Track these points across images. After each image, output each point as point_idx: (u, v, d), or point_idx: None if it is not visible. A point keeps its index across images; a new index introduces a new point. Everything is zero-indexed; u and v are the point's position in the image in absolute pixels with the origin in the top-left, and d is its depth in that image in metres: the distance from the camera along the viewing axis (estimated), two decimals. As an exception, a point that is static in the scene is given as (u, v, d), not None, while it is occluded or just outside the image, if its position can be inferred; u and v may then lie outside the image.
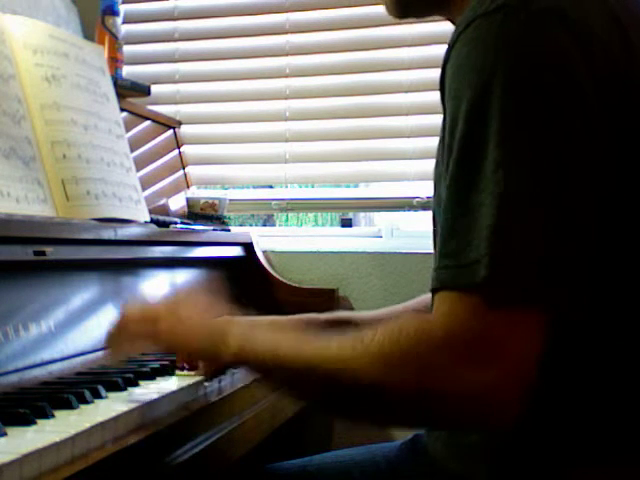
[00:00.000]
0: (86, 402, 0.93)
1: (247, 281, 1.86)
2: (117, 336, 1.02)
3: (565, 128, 0.73)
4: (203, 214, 1.83)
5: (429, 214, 2.10)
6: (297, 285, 1.90)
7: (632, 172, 0.77)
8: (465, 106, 0.75)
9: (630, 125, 0.77)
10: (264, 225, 4.09)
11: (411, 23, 1.90)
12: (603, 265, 0.77)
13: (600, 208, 0.75)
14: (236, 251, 1.85)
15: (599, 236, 0.75)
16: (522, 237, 0.71)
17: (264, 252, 1.95)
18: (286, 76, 2.07)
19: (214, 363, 1.05)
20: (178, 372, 1.12)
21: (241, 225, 2.40)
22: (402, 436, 1.12)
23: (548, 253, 0.71)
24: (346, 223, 2.67)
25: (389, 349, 0.75)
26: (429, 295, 0.80)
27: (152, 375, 1.10)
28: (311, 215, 5.57)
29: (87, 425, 0.81)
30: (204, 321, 0.98)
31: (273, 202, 2.12)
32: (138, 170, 1.59)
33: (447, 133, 0.78)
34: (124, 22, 2.02)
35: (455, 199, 0.76)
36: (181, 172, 2.06)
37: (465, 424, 0.78)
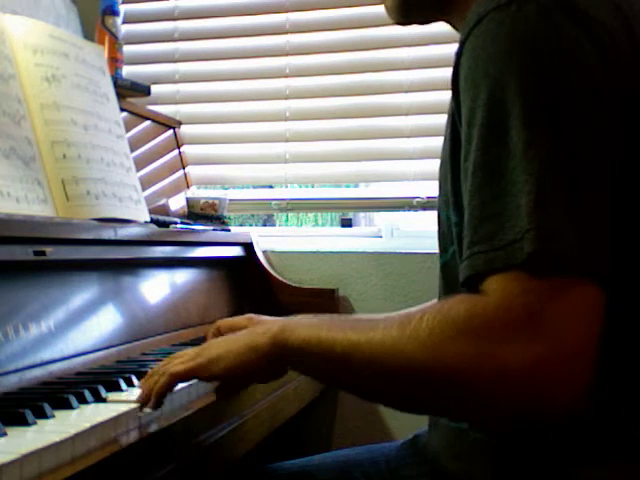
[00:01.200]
0: (86, 402, 0.93)
1: (247, 281, 1.86)
2: (153, 374, 0.95)
3: (584, 106, 0.74)
4: (203, 214, 1.83)
5: (429, 214, 2.11)
6: (297, 285, 1.90)
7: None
8: (484, 95, 0.76)
9: (637, 111, 0.78)
10: (264, 225, 4.09)
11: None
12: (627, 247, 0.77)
13: (621, 188, 0.76)
14: (236, 251, 1.85)
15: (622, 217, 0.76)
16: (564, 211, 0.71)
17: (264, 252, 1.95)
18: (286, 76, 2.07)
19: (248, 365, 0.91)
20: None
21: (241, 225, 2.40)
22: (402, 436, 1.12)
23: (589, 225, 0.71)
24: (346, 223, 2.66)
25: (440, 329, 0.72)
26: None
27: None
28: (311, 215, 5.57)
29: (87, 425, 0.81)
30: (238, 334, 0.95)
31: (273, 202, 2.12)
32: (138, 170, 1.59)
33: (464, 124, 0.79)
34: (124, 22, 2.02)
35: (482, 184, 0.75)
36: (181, 172, 2.06)
37: (526, 405, 0.71)
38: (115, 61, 1.83)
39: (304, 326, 0.86)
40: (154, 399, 0.91)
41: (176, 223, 1.64)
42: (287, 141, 2.07)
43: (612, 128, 0.76)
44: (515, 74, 0.74)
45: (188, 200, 1.87)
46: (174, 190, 1.96)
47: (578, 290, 0.70)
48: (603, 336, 0.72)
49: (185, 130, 2.12)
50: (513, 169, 0.73)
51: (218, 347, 0.93)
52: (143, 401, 0.92)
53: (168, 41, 2.17)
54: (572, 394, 0.69)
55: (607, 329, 0.73)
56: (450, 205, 0.86)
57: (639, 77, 0.79)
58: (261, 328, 0.91)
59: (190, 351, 0.96)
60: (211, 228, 1.78)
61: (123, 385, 1.03)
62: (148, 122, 1.93)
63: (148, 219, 1.51)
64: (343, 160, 2.07)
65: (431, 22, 1.03)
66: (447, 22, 1.00)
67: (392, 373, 0.76)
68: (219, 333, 1.17)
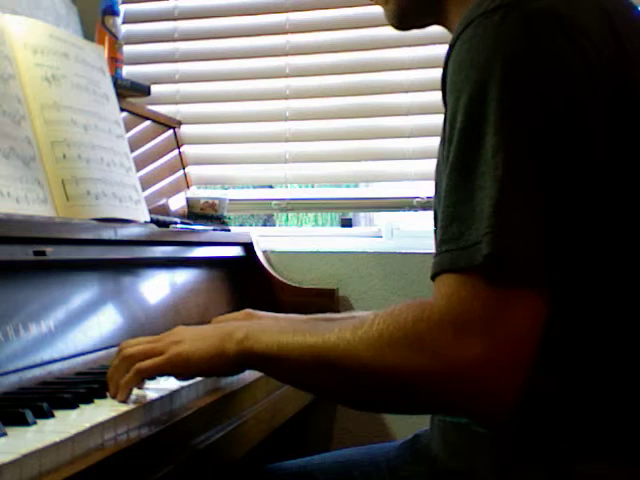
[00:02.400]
0: (86, 402, 0.93)
1: (247, 281, 1.86)
2: (118, 367, 0.96)
3: (559, 116, 0.76)
4: (203, 214, 1.83)
5: (429, 214, 2.11)
6: (297, 285, 1.90)
7: (627, 166, 0.79)
8: (464, 99, 0.78)
9: (625, 119, 0.79)
10: (264, 225, 4.09)
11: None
12: (603, 254, 0.79)
13: (597, 195, 0.77)
14: (236, 251, 1.85)
15: (598, 225, 0.77)
16: (522, 218, 0.73)
17: (264, 252, 1.95)
18: (286, 76, 2.07)
19: (215, 368, 0.95)
20: None
21: (241, 225, 2.40)
22: (402, 436, 1.12)
23: (547, 234, 0.74)
24: (346, 223, 2.67)
25: (389, 331, 0.76)
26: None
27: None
28: (311, 215, 5.57)
29: (87, 425, 0.81)
30: (206, 328, 0.98)
31: (273, 202, 2.12)
32: (138, 170, 1.59)
33: (447, 126, 0.81)
34: (124, 22, 2.02)
35: (455, 186, 0.78)
36: (181, 172, 2.06)
37: (463, 402, 0.77)
38: (115, 61, 1.83)
39: (267, 332, 0.89)
40: (120, 395, 0.93)
41: (176, 223, 1.64)
42: (287, 141, 2.07)
43: (594, 137, 0.76)
44: (494, 81, 0.76)
45: (188, 200, 1.87)
46: (174, 190, 1.96)
47: (522, 302, 0.73)
48: (598, 332, 0.78)
49: (185, 130, 2.12)
50: (482, 174, 0.75)
51: (185, 342, 0.94)
52: (112, 395, 0.93)
53: (168, 41, 2.17)
54: (502, 399, 0.74)
55: (601, 327, 0.78)
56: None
57: (625, 84, 0.79)
58: (228, 330, 0.93)
59: (155, 341, 0.96)
60: (211, 228, 1.78)
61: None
62: (148, 122, 1.93)
63: (148, 219, 1.51)
64: (343, 160, 2.07)
65: (429, 26, 1.06)
66: (444, 26, 1.02)
67: (344, 374, 0.80)
68: None
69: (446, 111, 0.83)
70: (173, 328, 1.00)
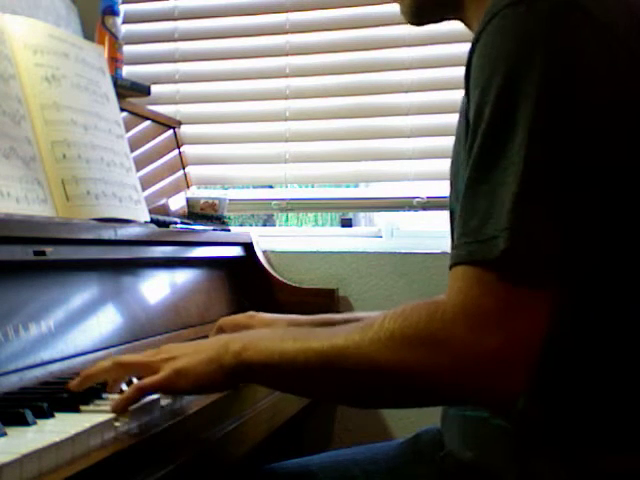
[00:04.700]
0: (86, 402, 0.93)
1: (247, 281, 1.86)
2: (109, 370, 0.95)
3: (586, 116, 0.75)
4: (203, 214, 1.83)
5: (429, 214, 2.11)
6: (297, 285, 1.90)
7: None
8: (494, 92, 0.77)
9: None
10: (264, 225, 4.09)
11: (411, 23, 1.90)
12: (615, 255, 0.79)
13: (615, 197, 0.77)
14: (236, 251, 1.85)
15: (615, 227, 0.78)
16: (542, 216, 0.74)
17: (264, 252, 1.95)
18: (286, 76, 2.07)
19: (211, 383, 0.92)
20: None
21: (241, 225, 2.40)
22: (402, 435, 1.12)
23: (564, 235, 0.74)
24: (346, 223, 2.66)
25: (400, 330, 0.76)
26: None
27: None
28: (311, 215, 5.56)
29: (87, 425, 0.81)
30: (201, 342, 0.96)
31: (273, 202, 2.12)
32: (138, 170, 1.59)
33: (472, 121, 0.80)
34: (124, 22, 2.02)
35: (478, 179, 0.77)
36: (181, 172, 2.06)
37: (478, 395, 0.77)
38: (115, 61, 1.83)
39: (266, 340, 0.87)
40: (119, 409, 0.89)
41: (176, 223, 1.64)
42: (287, 141, 2.07)
43: (617, 137, 0.76)
44: (526, 76, 0.75)
45: (188, 200, 1.87)
46: (174, 190, 1.96)
47: (536, 298, 0.74)
48: (613, 325, 0.79)
49: (185, 130, 2.12)
50: (505, 168, 0.75)
51: (180, 358, 0.91)
52: (113, 409, 0.89)
53: (168, 41, 2.17)
54: (514, 391, 0.75)
55: (615, 320, 0.79)
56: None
57: None
58: (222, 342, 0.91)
59: (152, 356, 0.94)
60: (211, 228, 1.78)
61: (123, 385, 1.02)
62: (148, 122, 1.93)
63: (148, 219, 1.51)
64: (343, 160, 2.07)
65: (445, 21, 1.04)
66: (461, 21, 1.01)
67: (355, 376, 0.79)
68: (222, 332, 1.18)
69: (468, 107, 0.82)
70: (173, 328, 0.98)
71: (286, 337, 0.86)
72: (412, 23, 1.05)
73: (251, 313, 1.24)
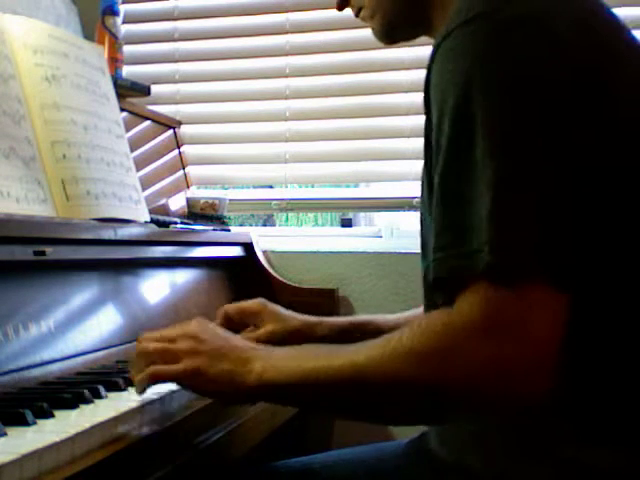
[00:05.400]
0: (86, 402, 0.93)
1: (247, 281, 1.86)
2: (137, 362, 0.95)
3: (541, 118, 0.78)
4: (203, 214, 1.83)
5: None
6: (297, 285, 1.90)
7: (617, 160, 0.81)
8: (449, 107, 0.80)
9: (607, 115, 0.81)
10: (264, 225, 4.09)
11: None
12: (609, 249, 0.80)
13: (591, 191, 0.79)
14: (236, 251, 1.85)
15: (601, 220, 0.79)
16: (520, 219, 0.75)
17: (264, 252, 1.95)
18: (286, 76, 2.07)
19: (231, 395, 0.91)
20: None
21: (241, 225, 2.40)
22: (403, 436, 1.12)
23: (545, 232, 0.75)
24: (346, 223, 2.67)
25: (420, 345, 0.78)
26: None
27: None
28: (311, 215, 5.57)
29: (87, 425, 0.81)
30: (224, 342, 0.94)
31: (273, 202, 2.12)
32: (138, 170, 1.59)
33: (434, 136, 0.83)
34: (124, 22, 2.02)
35: (447, 192, 0.79)
36: (181, 172, 2.06)
37: (502, 401, 0.78)
38: (115, 61, 1.83)
39: (285, 360, 0.88)
40: (138, 388, 0.93)
41: (176, 223, 1.64)
42: (287, 141, 2.07)
43: (577, 135, 0.78)
44: (477, 87, 0.78)
45: (188, 200, 1.87)
46: (174, 190, 1.96)
47: (536, 296, 0.75)
48: (616, 326, 0.80)
49: (185, 130, 2.12)
50: (475, 180, 0.77)
51: (204, 357, 0.91)
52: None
53: (168, 41, 2.17)
54: (535, 390, 0.76)
55: (617, 321, 0.80)
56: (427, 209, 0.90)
57: (608, 83, 0.81)
58: (244, 357, 0.90)
59: (173, 339, 0.94)
60: (211, 228, 1.78)
61: (123, 385, 1.03)
62: (148, 122, 1.93)
63: (148, 219, 1.51)
64: (343, 160, 2.07)
65: (416, 38, 1.08)
66: (430, 37, 1.04)
67: (377, 393, 0.81)
68: (228, 318, 1.18)
69: (429, 124, 0.85)
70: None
71: (306, 356, 0.87)
72: (385, 43, 1.08)
73: (262, 300, 1.24)
